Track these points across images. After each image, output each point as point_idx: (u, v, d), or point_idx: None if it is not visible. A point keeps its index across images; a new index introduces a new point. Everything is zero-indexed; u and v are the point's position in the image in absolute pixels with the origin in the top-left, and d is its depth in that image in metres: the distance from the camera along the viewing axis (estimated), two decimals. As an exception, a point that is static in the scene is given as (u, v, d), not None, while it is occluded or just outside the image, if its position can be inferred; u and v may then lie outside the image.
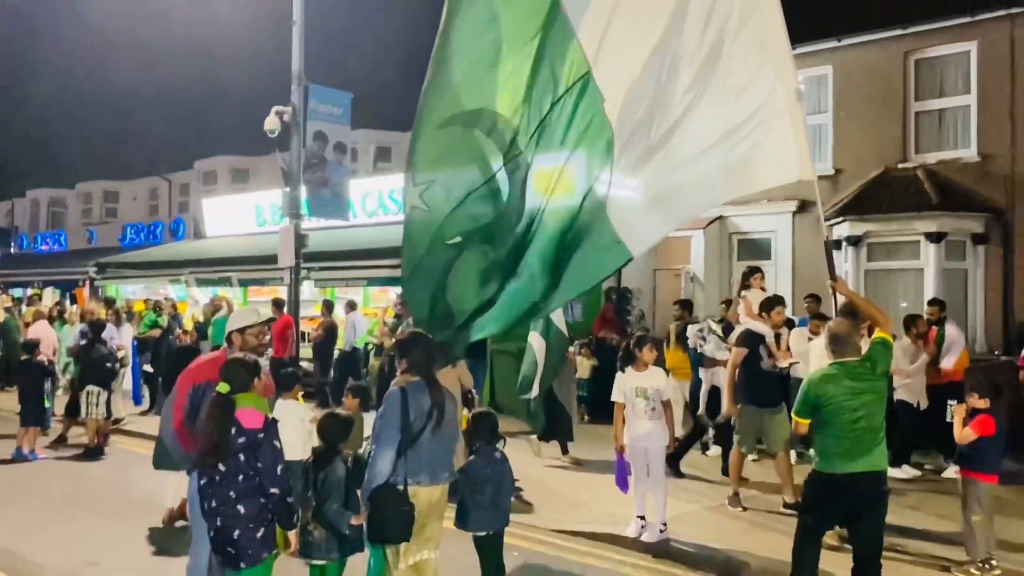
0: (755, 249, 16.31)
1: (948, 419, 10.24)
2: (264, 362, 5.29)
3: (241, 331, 5.23)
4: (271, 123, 13.33)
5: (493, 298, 5.43)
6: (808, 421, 5.13)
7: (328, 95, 14.13)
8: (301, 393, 7.09)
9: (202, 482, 4.34)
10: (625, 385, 7.16)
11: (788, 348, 8.53)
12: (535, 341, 9.28)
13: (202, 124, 43.12)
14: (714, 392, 10.00)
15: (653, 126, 5.24)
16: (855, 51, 15.14)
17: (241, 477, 4.25)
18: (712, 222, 16.04)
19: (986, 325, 13.99)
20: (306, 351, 15.15)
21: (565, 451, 10.25)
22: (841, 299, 5.59)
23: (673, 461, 9.06)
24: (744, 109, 5.03)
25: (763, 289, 9.21)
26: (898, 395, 9.30)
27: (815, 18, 13.89)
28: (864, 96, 15.05)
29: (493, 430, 5.28)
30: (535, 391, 9.38)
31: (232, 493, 4.24)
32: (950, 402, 10.31)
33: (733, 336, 8.73)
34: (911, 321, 9.71)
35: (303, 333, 14.92)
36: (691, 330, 10.68)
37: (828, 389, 5.01)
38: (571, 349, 10.59)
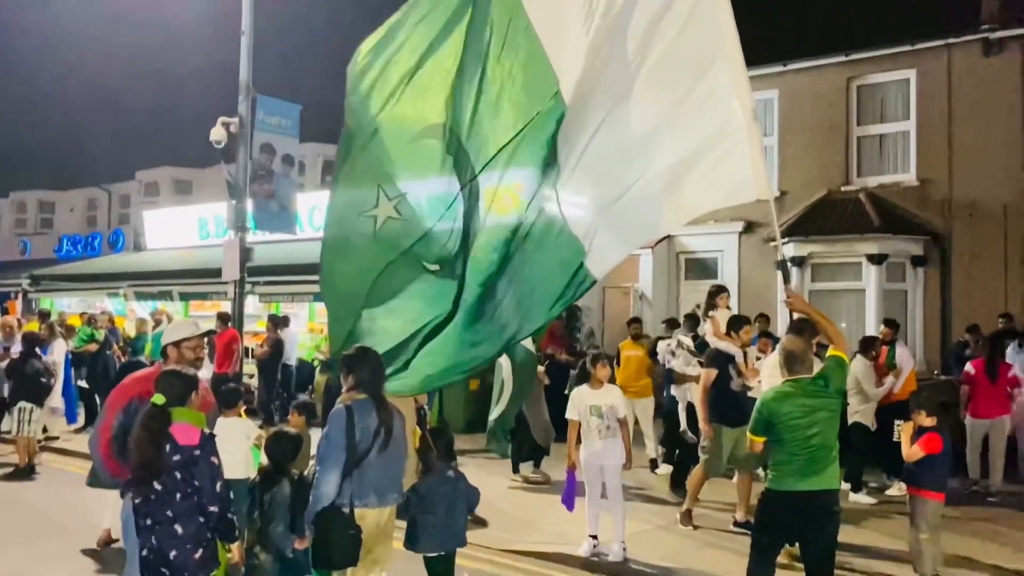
0: (702, 268, 16.51)
1: (895, 439, 10.46)
2: (204, 374, 5.08)
3: (177, 344, 5.04)
4: (217, 134, 13.07)
5: (434, 328, 5.33)
6: (763, 439, 5.12)
7: (276, 107, 13.92)
8: (244, 409, 6.89)
9: (137, 501, 4.15)
10: (580, 403, 7.11)
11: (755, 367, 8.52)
12: (503, 361, 9.10)
13: (144, 134, 42.25)
14: (691, 408, 9.93)
15: (607, 144, 5.20)
16: (800, 76, 15.48)
17: (179, 496, 4.06)
18: (660, 241, 16.19)
19: (925, 345, 14.33)
20: (249, 367, 14.82)
21: (537, 464, 10.25)
22: (793, 316, 5.58)
23: (677, 484, 9.30)
24: (703, 129, 5.00)
25: (728, 308, 9.12)
26: (856, 418, 9.38)
27: (761, 43, 14.15)
28: (809, 120, 15.38)
29: (449, 448, 5.17)
30: (497, 411, 9.25)
31: (169, 512, 4.05)
32: (897, 422, 10.51)
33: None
34: (870, 343, 9.78)
35: (246, 348, 14.59)
36: (661, 345, 10.56)
37: (782, 407, 5.00)
38: (540, 368, 10.53)
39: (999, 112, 13.68)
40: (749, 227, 15.84)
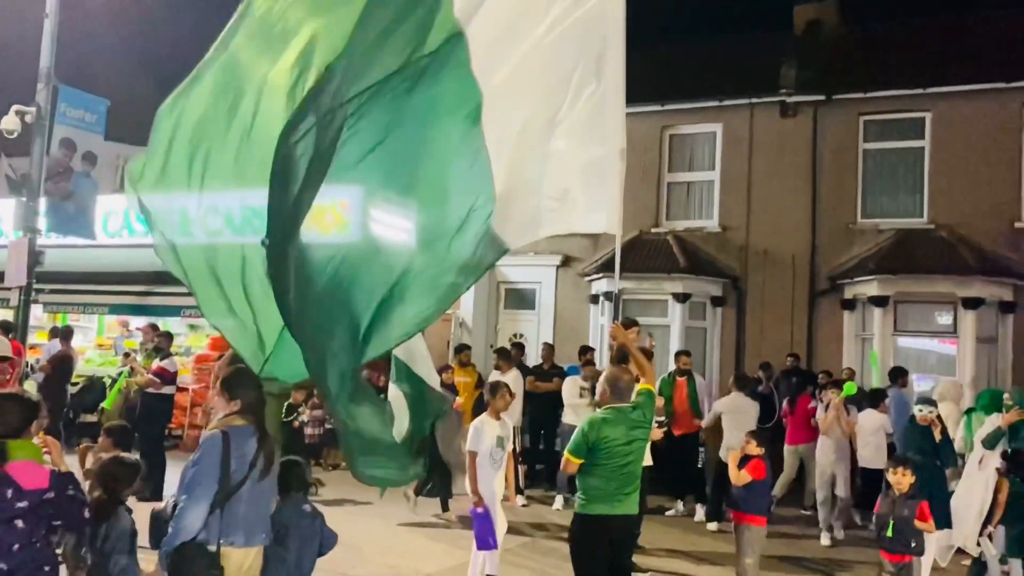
0: (520, 299, 16.84)
1: (699, 465, 11.16)
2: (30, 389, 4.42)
3: None
4: (10, 123, 11.75)
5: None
6: (581, 461, 5.22)
7: (80, 99, 12.73)
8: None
9: None
10: (483, 434, 6.85)
11: None
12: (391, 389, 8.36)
13: None
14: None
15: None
16: (620, 120, 16.26)
17: (16, 547, 3.49)
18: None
19: (720, 380, 15.38)
20: (28, 384, 13.30)
21: (445, 508, 9.87)
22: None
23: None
24: (583, 156, 5.17)
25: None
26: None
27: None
28: (626, 164, 16.14)
29: (301, 479, 4.84)
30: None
31: (3, 566, 3.48)
32: (701, 448, 11.24)
33: None
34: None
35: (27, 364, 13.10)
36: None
37: (607, 431, 5.16)
38: (458, 399, 10.19)
39: (792, 169, 15.07)
40: (566, 261, 16.36)
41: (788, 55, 15.71)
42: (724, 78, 15.78)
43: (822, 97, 15.02)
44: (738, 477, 6.68)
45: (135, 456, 4.71)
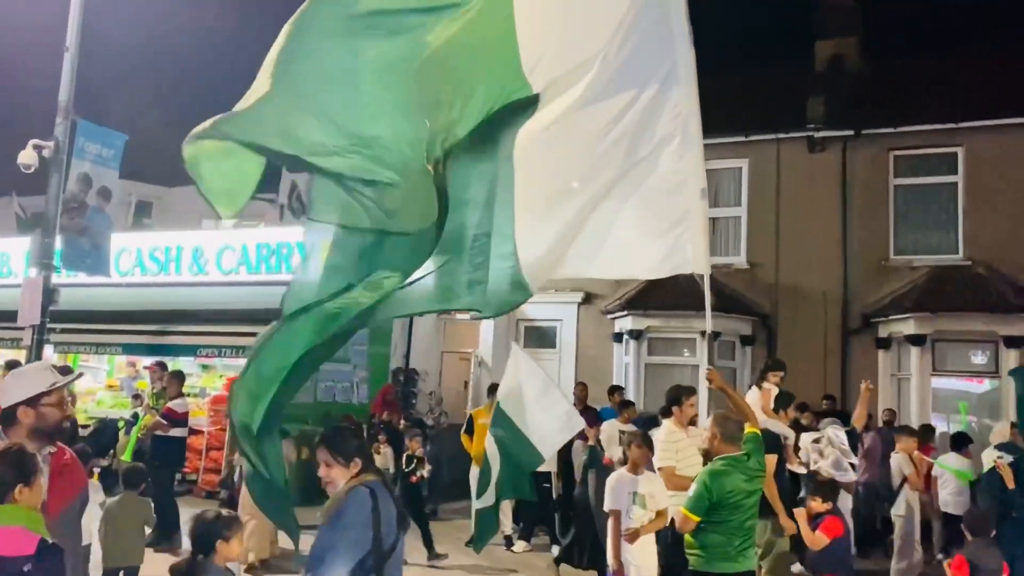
0: (541, 337, 16.43)
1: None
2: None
3: (33, 402, 3.72)
4: (27, 157, 11.41)
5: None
6: (700, 519, 4.84)
7: (99, 134, 12.43)
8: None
9: None
10: (620, 490, 6.34)
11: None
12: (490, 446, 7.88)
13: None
14: None
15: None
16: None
17: None
18: (502, 307, 15.96)
19: (750, 421, 14.92)
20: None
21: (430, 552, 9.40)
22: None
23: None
24: (663, 198, 4.92)
25: (779, 386, 7.87)
26: None
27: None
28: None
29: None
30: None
31: None
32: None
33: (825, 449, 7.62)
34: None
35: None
36: (805, 439, 8.33)
37: (729, 484, 4.79)
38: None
39: (821, 205, 14.76)
40: (588, 298, 15.99)
41: (814, 90, 15.51)
42: (750, 113, 15.55)
43: (851, 132, 14.77)
44: (814, 540, 6.18)
45: (228, 512, 4.20)
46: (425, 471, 9.79)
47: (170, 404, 10.67)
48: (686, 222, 5.01)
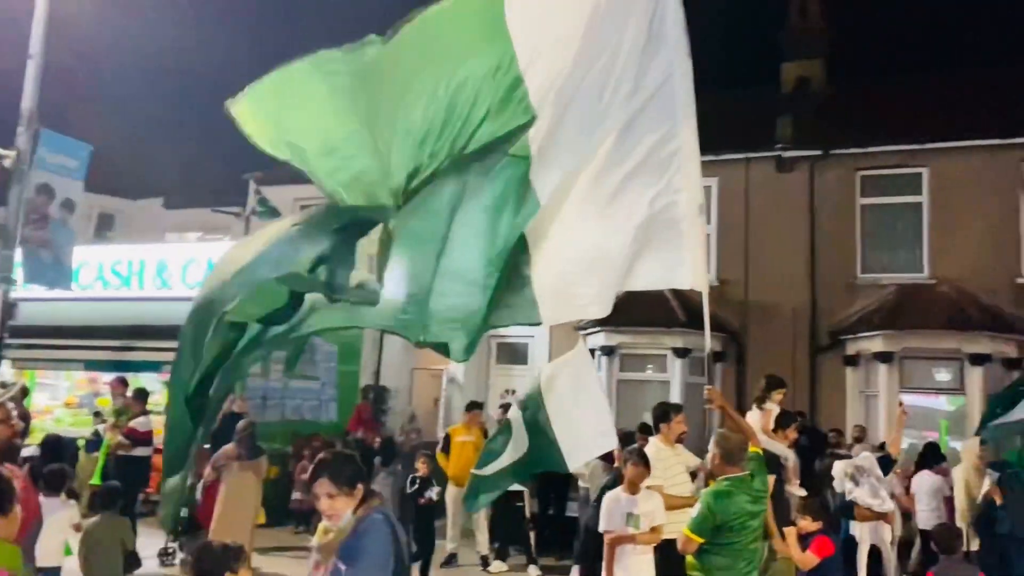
0: (513, 353, 16.35)
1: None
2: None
3: None
4: (-12, 167, 11.07)
5: None
6: (703, 540, 4.76)
7: (63, 144, 12.07)
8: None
9: None
10: (615, 511, 6.19)
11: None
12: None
13: None
14: (874, 552, 7.93)
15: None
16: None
17: None
18: (473, 324, 15.85)
19: (720, 438, 14.97)
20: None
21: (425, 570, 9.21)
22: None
23: None
24: (651, 209, 4.87)
25: (780, 404, 7.69)
26: None
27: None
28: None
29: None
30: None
31: None
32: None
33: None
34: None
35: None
36: (838, 467, 7.96)
37: (733, 505, 4.71)
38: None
39: (790, 224, 14.92)
40: (559, 315, 15.93)
41: (782, 110, 15.72)
42: (719, 132, 15.55)
43: (819, 152, 14.98)
44: (804, 560, 6.11)
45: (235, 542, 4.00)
46: (434, 493, 9.30)
47: (132, 423, 10.38)
48: (683, 238, 4.96)
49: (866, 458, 7.85)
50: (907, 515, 9.43)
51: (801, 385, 14.46)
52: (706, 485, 5.15)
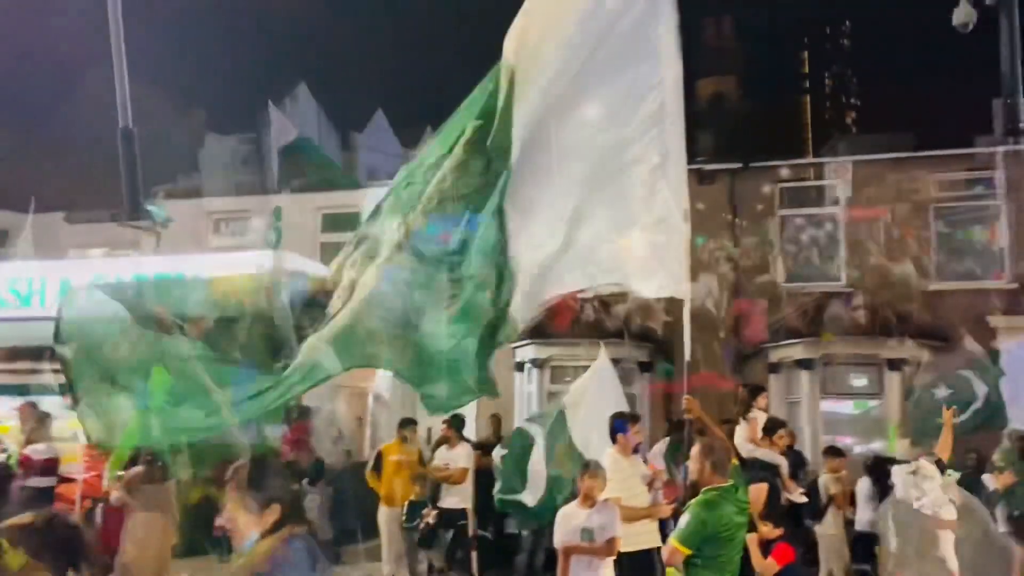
0: (440, 369, 16.04)
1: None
2: None
3: None
4: None
5: None
6: (690, 552, 4.64)
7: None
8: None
9: None
10: (567, 525, 6.14)
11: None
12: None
13: None
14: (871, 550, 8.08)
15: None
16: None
17: None
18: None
19: (649, 445, 15.04)
20: None
21: None
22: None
23: None
24: (642, 219, 4.82)
25: (766, 411, 7.77)
26: None
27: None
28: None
29: None
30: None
31: None
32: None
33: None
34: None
35: None
36: (899, 473, 6.86)
37: (723, 516, 4.62)
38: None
39: (712, 234, 15.17)
40: (487, 328, 15.76)
41: (702, 124, 16.06)
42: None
43: (739, 165, 15.33)
44: (764, 567, 6.09)
45: None
46: (430, 517, 9.07)
47: (26, 450, 9.38)
48: (665, 245, 4.90)
49: (924, 466, 6.87)
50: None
51: (728, 394, 14.69)
52: (691, 497, 5.01)
